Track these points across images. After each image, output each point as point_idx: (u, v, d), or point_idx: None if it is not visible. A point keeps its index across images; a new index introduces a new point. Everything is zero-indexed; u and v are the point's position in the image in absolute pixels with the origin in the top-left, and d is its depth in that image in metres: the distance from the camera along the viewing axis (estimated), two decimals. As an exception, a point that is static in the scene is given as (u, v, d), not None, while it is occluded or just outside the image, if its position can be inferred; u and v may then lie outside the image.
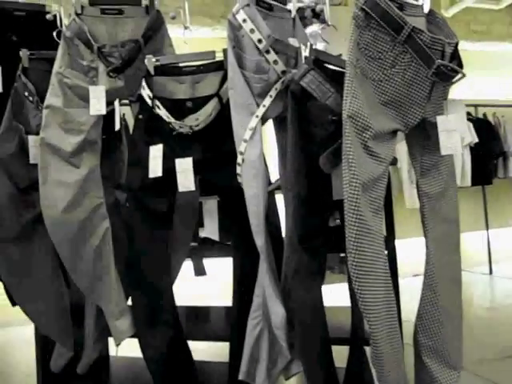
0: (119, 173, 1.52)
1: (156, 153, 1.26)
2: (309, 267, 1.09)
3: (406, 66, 1.06)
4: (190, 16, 1.51)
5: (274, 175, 1.37)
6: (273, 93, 1.19)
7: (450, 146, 1.08)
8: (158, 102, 1.27)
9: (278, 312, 1.16)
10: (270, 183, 1.27)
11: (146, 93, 1.29)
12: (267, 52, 1.17)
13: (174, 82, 1.31)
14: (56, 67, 1.36)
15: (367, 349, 1.44)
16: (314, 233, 1.11)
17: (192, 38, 1.51)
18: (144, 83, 1.30)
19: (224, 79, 1.28)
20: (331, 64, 1.20)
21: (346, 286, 1.21)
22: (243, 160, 1.16)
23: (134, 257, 1.33)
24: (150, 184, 1.27)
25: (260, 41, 1.17)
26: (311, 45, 1.14)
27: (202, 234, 1.94)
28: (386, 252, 1.06)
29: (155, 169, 1.25)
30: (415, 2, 1.22)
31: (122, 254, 1.38)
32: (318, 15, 2.55)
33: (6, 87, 1.49)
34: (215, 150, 1.27)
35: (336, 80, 1.13)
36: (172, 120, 1.26)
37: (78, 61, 1.37)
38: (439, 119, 1.09)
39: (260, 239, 1.14)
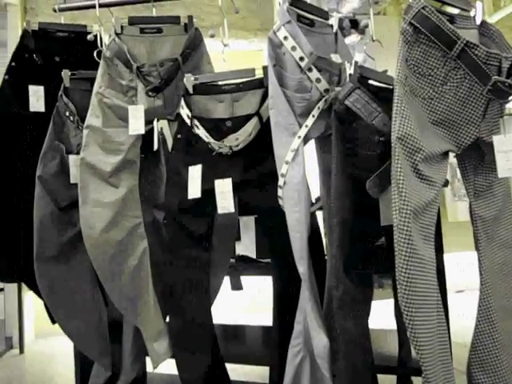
0: (158, 192, 1.51)
1: (195, 173, 1.23)
2: (355, 297, 1.03)
3: (458, 82, 1.00)
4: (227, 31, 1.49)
5: (315, 193, 1.32)
6: (315, 112, 1.14)
7: (509, 167, 1.00)
8: (196, 122, 1.25)
9: (321, 341, 1.10)
10: (311, 204, 1.22)
11: (184, 112, 1.28)
12: (309, 70, 1.13)
13: (213, 100, 1.29)
14: (96, 87, 1.37)
15: (414, 378, 1.37)
16: (361, 261, 1.05)
17: (228, 50, 1.49)
18: (183, 102, 1.28)
19: (264, 97, 1.25)
20: (377, 81, 1.14)
21: (386, 302, 1.14)
22: (285, 182, 1.12)
23: (173, 278, 1.31)
24: (189, 205, 1.25)
25: (302, 59, 1.12)
26: (356, 62, 1.09)
27: (239, 250, 1.91)
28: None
29: (194, 190, 1.22)
30: (466, 14, 1.16)
31: (160, 274, 1.37)
32: (356, 26, 2.50)
33: (49, 107, 1.52)
34: (255, 170, 1.24)
35: (382, 98, 1.07)
36: (211, 140, 1.23)
37: (118, 80, 1.37)
38: (496, 139, 1.02)
39: (302, 266, 1.09)
